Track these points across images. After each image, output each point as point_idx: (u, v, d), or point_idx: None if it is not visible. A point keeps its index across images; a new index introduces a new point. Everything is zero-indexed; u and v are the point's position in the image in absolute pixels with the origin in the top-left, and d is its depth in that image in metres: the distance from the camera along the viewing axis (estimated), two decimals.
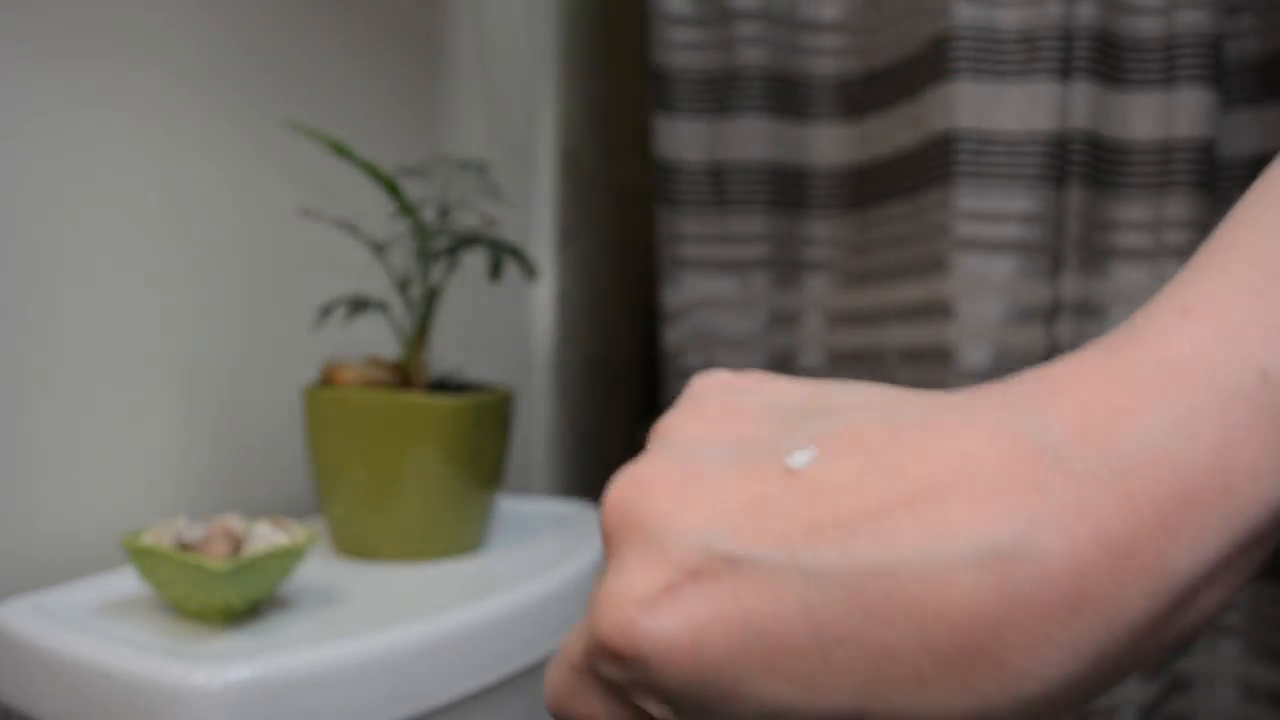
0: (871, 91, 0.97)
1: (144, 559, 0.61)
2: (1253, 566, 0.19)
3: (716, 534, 0.20)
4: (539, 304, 1.17)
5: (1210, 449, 0.18)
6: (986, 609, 0.18)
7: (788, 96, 1.01)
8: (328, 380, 0.77)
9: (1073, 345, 0.86)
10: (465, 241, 0.80)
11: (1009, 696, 0.19)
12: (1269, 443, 0.18)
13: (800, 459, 0.21)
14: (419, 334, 0.79)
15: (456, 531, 0.77)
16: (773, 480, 0.21)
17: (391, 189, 0.77)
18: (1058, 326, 0.87)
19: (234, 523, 0.62)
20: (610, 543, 0.22)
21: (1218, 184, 0.88)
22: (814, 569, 0.20)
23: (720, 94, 1.01)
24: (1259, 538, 0.19)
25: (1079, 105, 0.86)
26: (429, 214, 0.83)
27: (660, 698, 0.21)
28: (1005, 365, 0.87)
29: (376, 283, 0.90)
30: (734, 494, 0.21)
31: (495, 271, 0.80)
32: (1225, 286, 0.20)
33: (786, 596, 0.20)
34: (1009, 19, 0.86)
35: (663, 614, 0.20)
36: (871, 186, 0.97)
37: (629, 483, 0.22)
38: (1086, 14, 0.85)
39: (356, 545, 0.76)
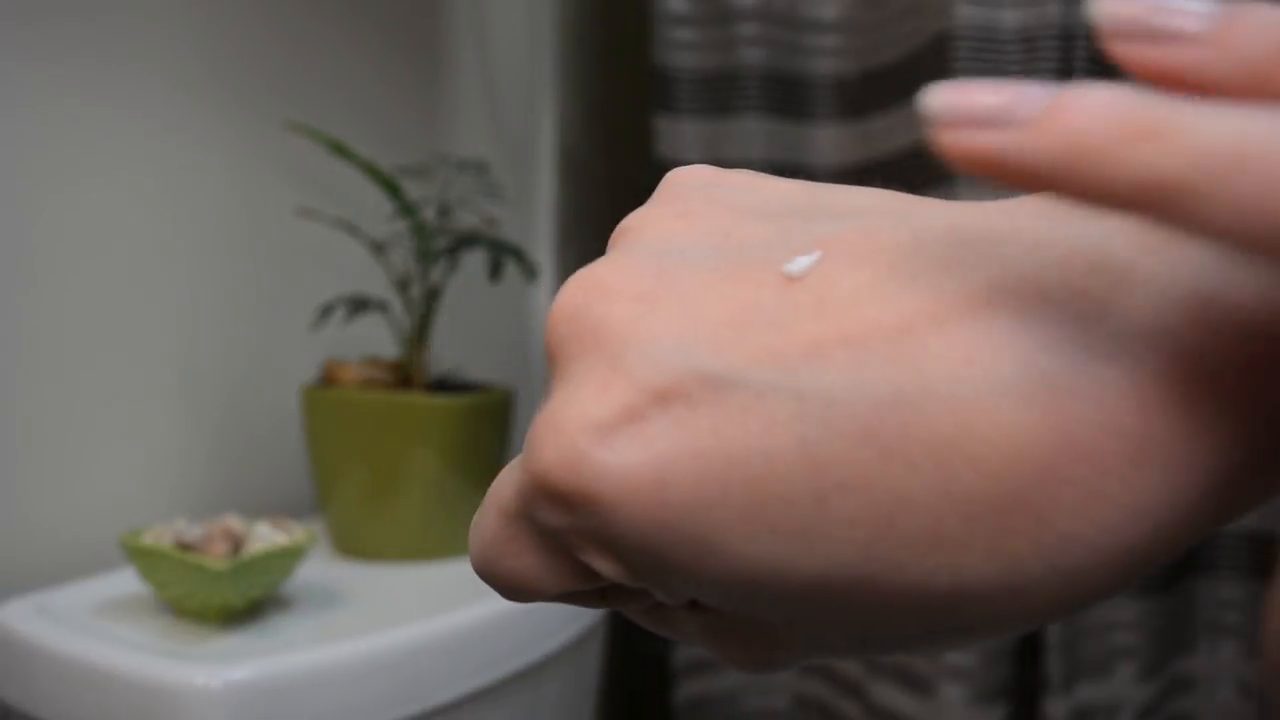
0: (872, 91, 0.97)
1: (144, 559, 0.61)
2: None
3: (693, 348, 0.16)
4: (539, 304, 1.17)
5: None
6: (1033, 454, 0.15)
7: (788, 96, 1.01)
8: (328, 380, 0.77)
9: None
10: (465, 241, 0.80)
11: (1046, 565, 0.15)
12: None
13: (801, 263, 0.17)
14: (419, 334, 0.79)
15: (456, 532, 0.77)
16: (767, 287, 0.17)
17: (391, 189, 0.77)
18: None
19: (234, 523, 0.62)
20: (557, 360, 0.17)
21: None
22: (816, 395, 0.15)
23: (720, 94, 1.01)
24: None
25: None
26: (429, 214, 0.83)
27: (610, 552, 0.17)
28: None
29: (376, 283, 0.90)
30: (716, 301, 0.17)
31: (495, 271, 0.80)
32: None
33: (779, 428, 0.15)
34: (1009, 19, 0.86)
35: (620, 445, 0.16)
36: (872, 187, 0.97)
37: (584, 284, 0.18)
38: (1087, 14, 0.85)
39: (356, 545, 0.76)
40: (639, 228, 0.19)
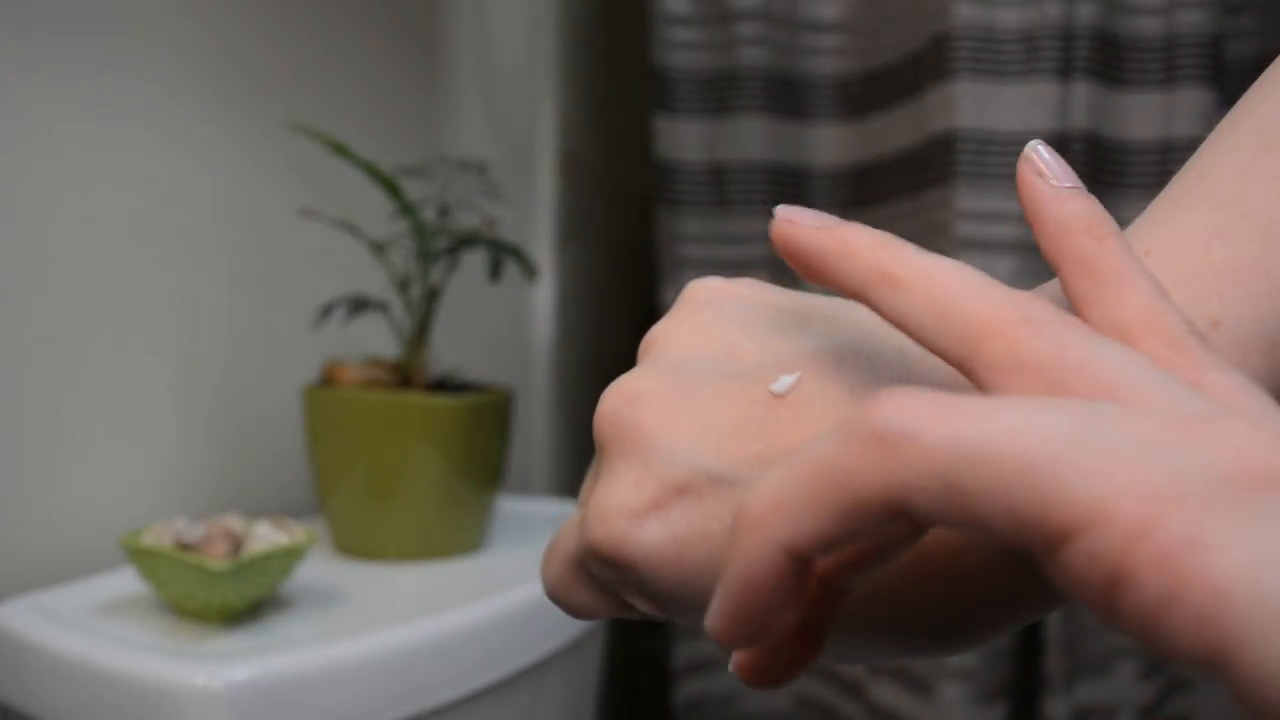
0: (872, 91, 0.97)
1: (144, 559, 0.61)
2: None
3: (703, 453, 0.22)
4: (539, 304, 1.17)
5: None
6: (943, 543, 0.20)
7: (788, 96, 1.01)
8: (328, 380, 0.77)
9: None
10: (465, 241, 0.80)
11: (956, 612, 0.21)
12: None
13: (784, 382, 0.22)
14: (419, 334, 0.79)
15: (456, 532, 0.77)
16: (757, 403, 0.22)
17: (391, 189, 0.77)
18: None
19: (234, 523, 0.62)
20: (602, 450, 0.23)
21: None
22: None
23: (720, 94, 1.01)
24: None
25: (1079, 105, 0.86)
26: (429, 214, 0.83)
27: (644, 596, 0.23)
28: None
29: (376, 283, 0.90)
30: (720, 415, 0.22)
31: (495, 271, 0.80)
32: (1187, 227, 0.22)
33: None
34: (1009, 19, 0.86)
35: (650, 527, 0.22)
36: (872, 186, 0.97)
37: (621, 394, 0.23)
38: (1086, 14, 0.85)
39: (357, 545, 0.76)
40: (664, 340, 0.25)
